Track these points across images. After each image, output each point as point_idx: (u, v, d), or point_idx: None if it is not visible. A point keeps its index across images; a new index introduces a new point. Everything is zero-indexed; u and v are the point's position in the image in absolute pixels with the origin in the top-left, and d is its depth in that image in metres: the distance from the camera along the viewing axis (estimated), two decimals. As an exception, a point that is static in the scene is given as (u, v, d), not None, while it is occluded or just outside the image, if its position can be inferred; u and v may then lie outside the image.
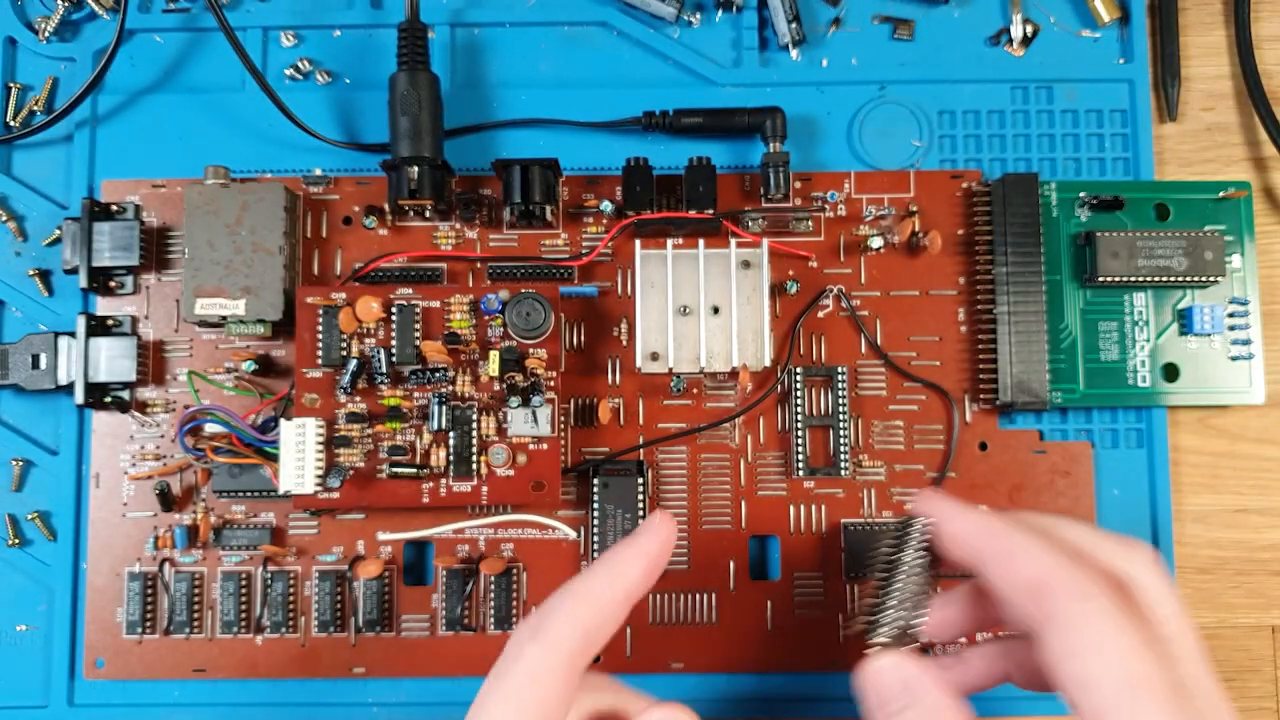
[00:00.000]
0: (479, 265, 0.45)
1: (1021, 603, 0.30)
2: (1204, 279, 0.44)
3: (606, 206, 0.45)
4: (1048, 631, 0.29)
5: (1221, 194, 0.45)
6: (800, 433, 0.43)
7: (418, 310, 0.42)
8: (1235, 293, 0.45)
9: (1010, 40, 0.47)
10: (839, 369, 0.44)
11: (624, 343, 0.44)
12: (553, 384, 0.42)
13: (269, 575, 0.43)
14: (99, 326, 0.44)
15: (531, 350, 0.42)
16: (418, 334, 0.42)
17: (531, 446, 0.42)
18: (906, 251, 0.45)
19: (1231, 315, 0.45)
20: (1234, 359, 0.45)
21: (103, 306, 0.45)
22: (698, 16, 0.47)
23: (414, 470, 0.41)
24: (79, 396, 0.43)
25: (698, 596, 0.44)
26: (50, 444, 0.45)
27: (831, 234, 0.45)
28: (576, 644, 0.30)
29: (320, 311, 0.42)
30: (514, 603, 0.43)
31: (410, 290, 0.42)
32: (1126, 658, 0.27)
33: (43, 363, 0.44)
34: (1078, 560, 0.30)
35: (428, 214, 0.45)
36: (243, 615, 0.43)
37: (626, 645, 0.43)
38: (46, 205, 0.46)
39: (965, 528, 0.32)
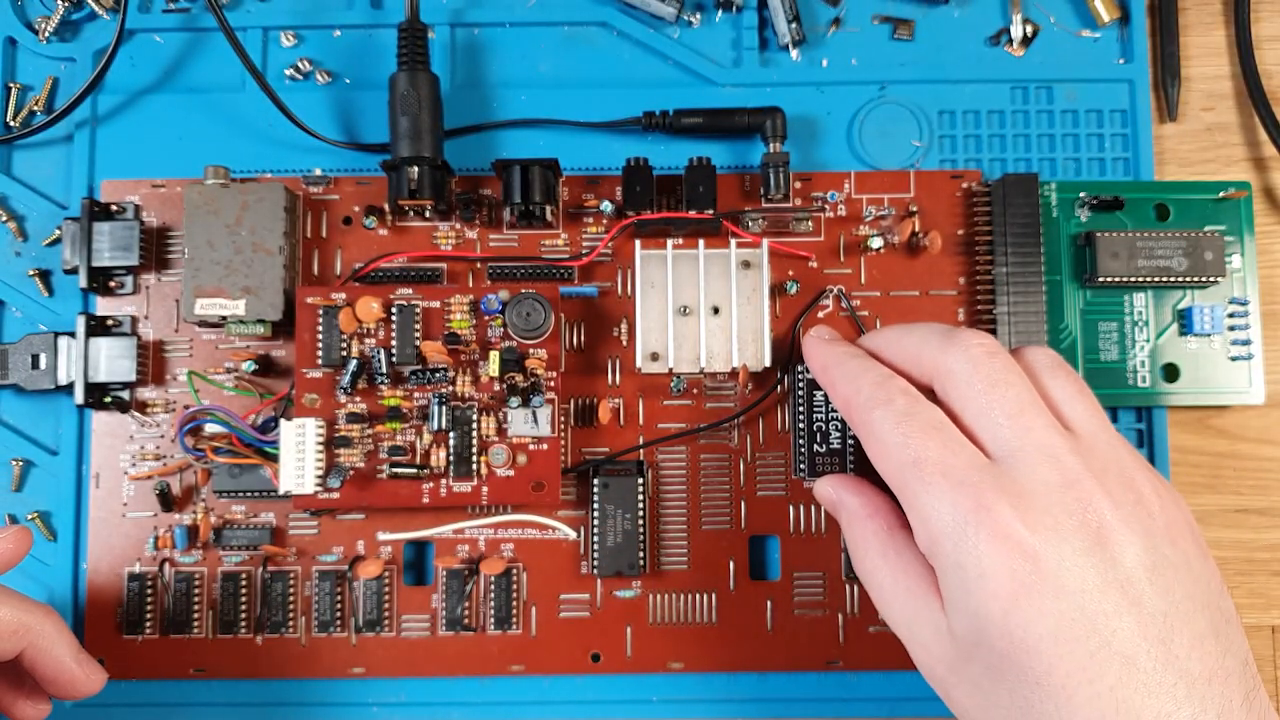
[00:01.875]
0: (479, 265, 0.45)
1: (847, 420, 0.36)
2: (1204, 279, 0.44)
3: (606, 206, 0.45)
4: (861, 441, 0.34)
5: (1221, 194, 0.45)
6: (801, 433, 0.43)
7: (418, 310, 0.42)
8: (1235, 293, 0.45)
9: (1010, 40, 0.47)
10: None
11: (624, 343, 0.44)
12: (553, 384, 0.42)
13: (269, 575, 0.43)
14: (99, 326, 0.44)
15: (531, 350, 0.42)
16: (418, 334, 0.42)
17: (531, 447, 0.42)
18: (906, 252, 0.45)
19: (1231, 315, 0.45)
20: (1234, 359, 0.45)
21: (103, 306, 0.45)
22: (698, 16, 0.47)
23: (414, 470, 0.41)
24: (79, 396, 0.43)
25: (697, 596, 0.44)
26: (50, 444, 0.45)
27: (831, 234, 0.45)
28: None
29: (320, 311, 0.42)
30: (514, 603, 0.43)
31: (410, 290, 0.42)
32: (901, 447, 0.32)
33: (42, 363, 0.44)
34: (879, 375, 0.34)
35: (428, 214, 0.45)
36: (243, 615, 0.43)
37: (627, 645, 0.43)
38: (46, 205, 0.46)
39: (813, 365, 0.38)
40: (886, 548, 0.34)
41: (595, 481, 0.43)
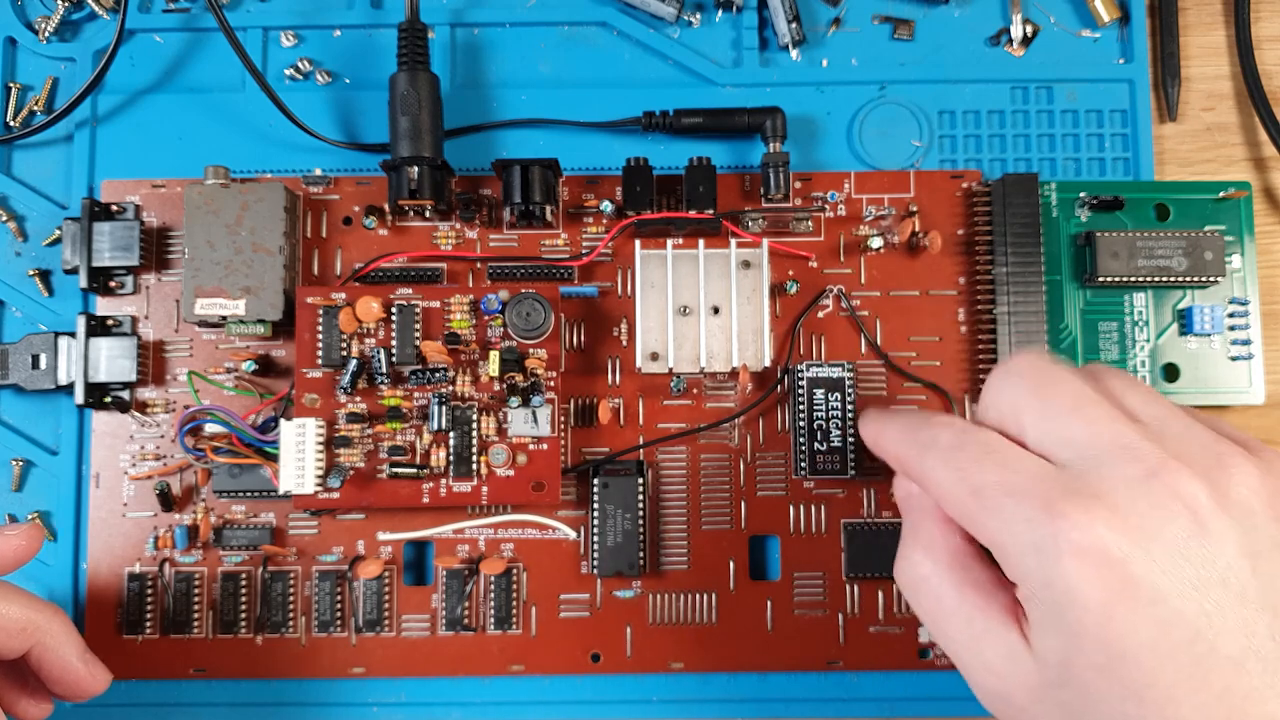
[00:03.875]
0: (479, 265, 0.45)
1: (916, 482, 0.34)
2: (1204, 279, 0.44)
3: (606, 206, 0.45)
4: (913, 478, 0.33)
5: (1222, 194, 0.45)
6: (801, 432, 0.43)
7: (418, 310, 0.42)
8: (1235, 293, 0.45)
9: (1010, 40, 0.47)
10: (845, 364, 0.43)
11: (624, 343, 0.44)
12: (553, 384, 0.42)
13: (269, 575, 0.43)
14: (99, 326, 0.44)
15: (531, 350, 0.42)
16: (418, 334, 0.42)
17: (531, 447, 0.42)
18: (906, 251, 0.45)
19: (1231, 315, 0.45)
20: (1234, 359, 0.45)
21: (103, 306, 0.45)
22: (698, 16, 0.47)
23: (414, 470, 0.41)
24: (79, 396, 0.43)
25: (698, 596, 0.44)
26: (50, 444, 0.45)
27: (831, 234, 0.45)
28: None
29: (320, 311, 0.42)
30: (514, 603, 0.43)
31: (410, 290, 0.42)
32: (958, 482, 0.30)
33: (43, 363, 0.44)
34: (918, 421, 0.34)
35: (428, 214, 0.45)
36: (243, 615, 0.43)
37: (627, 645, 0.43)
38: (46, 205, 0.46)
39: (868, 443, 0.37)
40: (957, 559, 0.31)
41: (595, 481, 0.43)
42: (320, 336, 0.42)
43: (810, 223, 0.45)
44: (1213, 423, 0.30)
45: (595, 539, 0.43)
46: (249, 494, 0.43)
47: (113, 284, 0.44)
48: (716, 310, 0.43)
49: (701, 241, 0.44)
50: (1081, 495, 0.27)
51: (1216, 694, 0.25)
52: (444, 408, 0.41)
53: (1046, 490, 0.28)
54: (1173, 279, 0.44)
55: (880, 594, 0.44)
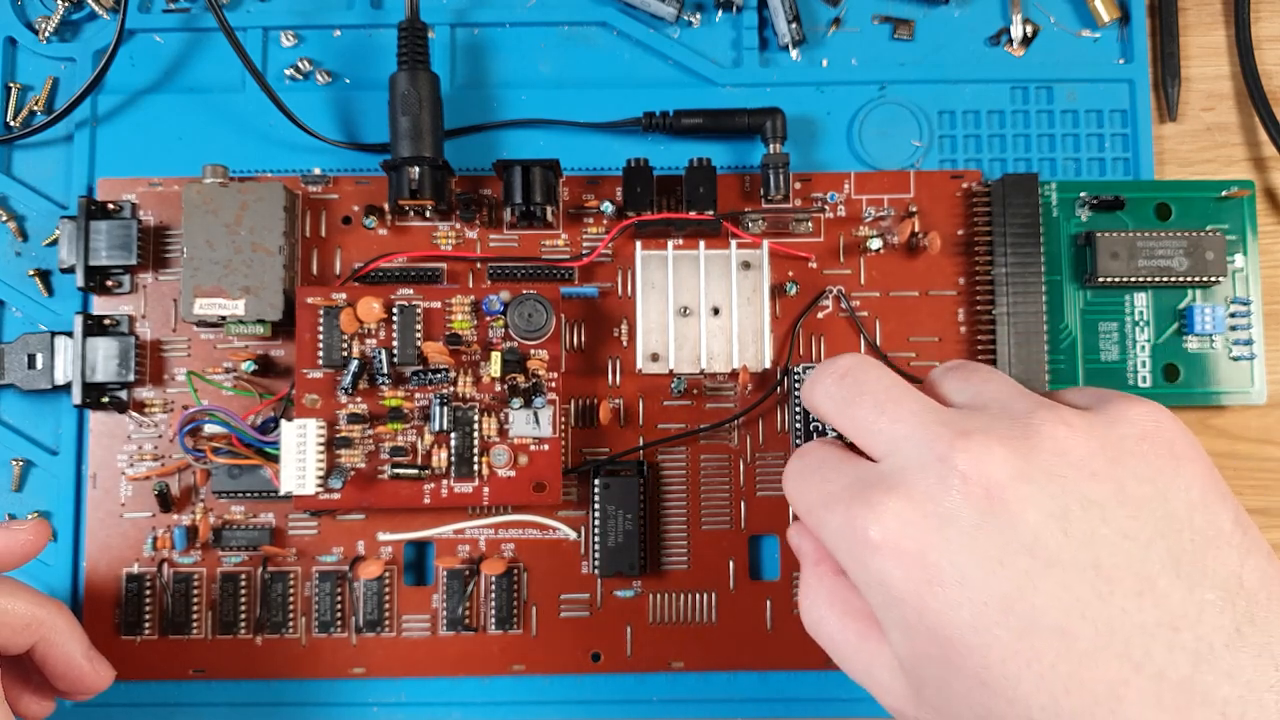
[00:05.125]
0: (479, 266, 0.45)
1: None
2: (1205, 279, 0.44)
3: (607, 207, 0.45)
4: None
5: (1224, 193, 0.45)
6: (799, 433, 0.43)
7: (419, 311, 0.42)
8: (1237, 293, 0.45)
9: (1010, 40, 0.47)
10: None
11: (624, 344, 0.44)
12: (554, 385, 0.42)
13: (268, 576, 0.43)
14: (96, 326, 0.44)
15: (533, 351, 0.42)
16: (419, 335, 0.42)
17: (533, 447, 0.42)
18: (906, 252, 0.45)
19: (1233, 315, 0.45)
20: (1235, 359, 0.45)
21: (99, 306, 0.45)
22: (698, 16, 0.47)
23: (415, 471, 0.41)
24: (76, 396, 0.43)
25: (698, 596, 0.44)
26: (50, 444, 0.45)
27: (831, 235, 0.45)
28: None
29: (321, 312, 0.42)
30: (515, 603, 0.43)
31: (411, 290, 0.42)
32: (798, 501, 0.31)
33: (39, 362, 0.43)
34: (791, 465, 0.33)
35: (428, 214, 0.45)
36: (242, 616, 0.43)
37: (627, 645, 0.43)
38: (46, 205, 0.46)
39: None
40: (834, 595, 0.31)
41: (596, 482, 0.43)
42: (321, 337, 0.42)
43: (810, 223, 0.45)
44: (1035, 397, 0.29)
45: (596, 539, 0.42)
46: (248, 494, 0.43)
47: (110, 283, 0.44)
48: (717, 311, 0.43)
49: (702, 242, 0.44)
50: (875, 490, 0.27)
51: (1050, 665, 0.24)
52: (445, 408, 0.41)
53: (849, 495, 0.28)
54: (1174, 279, 0.44)
55: (880, 594, 0.43)
